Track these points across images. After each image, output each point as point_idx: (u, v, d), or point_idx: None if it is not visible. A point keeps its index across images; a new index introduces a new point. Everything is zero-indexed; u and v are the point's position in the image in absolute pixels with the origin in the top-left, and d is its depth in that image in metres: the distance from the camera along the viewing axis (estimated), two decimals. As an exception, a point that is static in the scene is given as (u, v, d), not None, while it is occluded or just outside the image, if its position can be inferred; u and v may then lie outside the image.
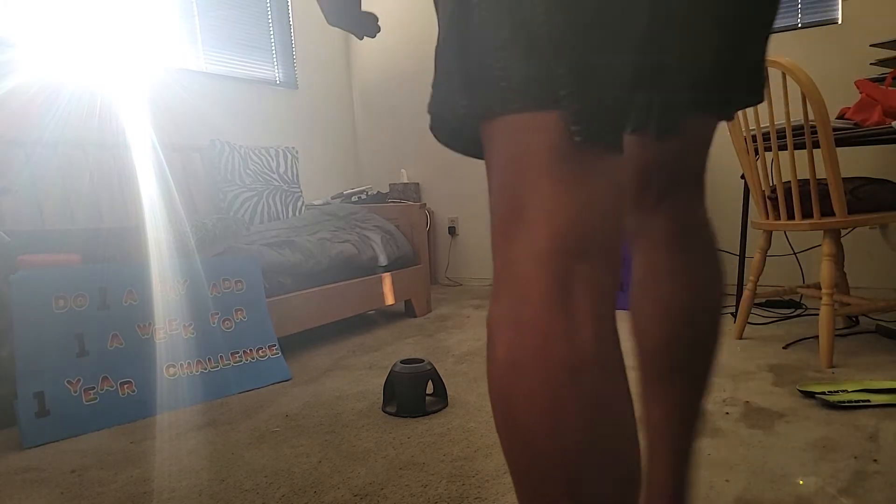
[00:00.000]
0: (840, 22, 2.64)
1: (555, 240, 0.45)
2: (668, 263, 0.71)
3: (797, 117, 1.89)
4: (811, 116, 1.75)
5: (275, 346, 2.00)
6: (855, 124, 1.91)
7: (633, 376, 0.53)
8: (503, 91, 0.46)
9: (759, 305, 2.60)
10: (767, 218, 1.98)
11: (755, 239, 2.18)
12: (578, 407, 0.44)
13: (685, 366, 0.72)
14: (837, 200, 1.75)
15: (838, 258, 2.05)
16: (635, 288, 0.74)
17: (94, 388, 1.63)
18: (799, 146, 1.93)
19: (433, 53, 0.58)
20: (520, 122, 0.46)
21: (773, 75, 2.00)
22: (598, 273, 0.46)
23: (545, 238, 0.45)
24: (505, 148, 0.48)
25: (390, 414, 1.59)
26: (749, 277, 2.06)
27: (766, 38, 0.63)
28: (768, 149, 2.02)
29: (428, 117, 0.62)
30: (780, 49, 2.75)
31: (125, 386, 1.68)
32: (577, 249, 0.45)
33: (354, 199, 3.28)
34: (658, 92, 0.60)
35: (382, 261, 2.64)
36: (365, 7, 3.98)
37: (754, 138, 1.98)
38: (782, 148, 1.90)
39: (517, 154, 0.47)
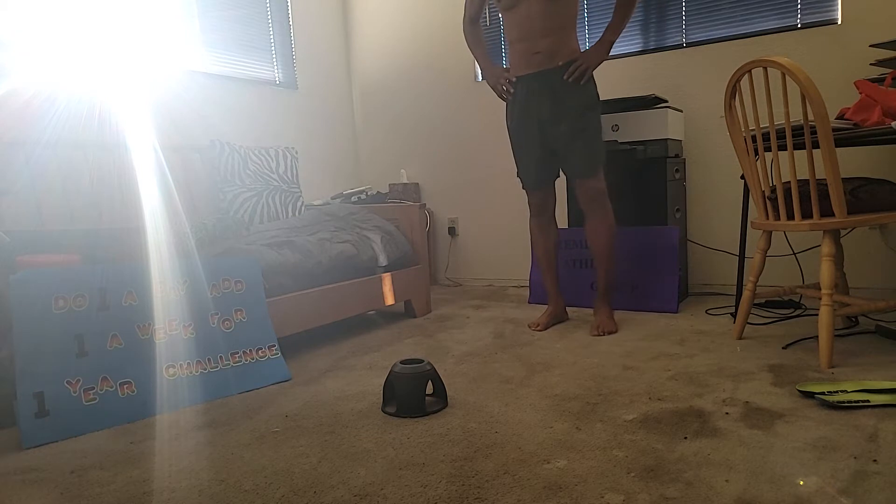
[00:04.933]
0: (840, 22, 2.65)
1: (533, 206, 2.58)
2: (589, 215, 2.42)
3: (797, 117, 1.89)
4: (811, 117, 1.75)
5: (275, 346, 2.00)
6: (854, 124, 1.91)
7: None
8: (524, 180, 2.56)
9: (759, 306, 2.60)
10: (767, 218, 1.98)
11: (755, 239, 2.18)
12: (536, 238, 2.61)
13: (596, 248, 2.43)
14: (837, 201, 1.75)
15: (838, 258, 2.05)
16: (585, 222, 2.47)
17: (93, 388, 1.63)
18: (799, 146, 1.93)
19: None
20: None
21: (773, 75, 2.00)
22: (544, 215, 2.58)
23: (531, 204, 2.59)
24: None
25: (390, 414, 1.59)
26: (749, 278, 2.06)
27: (582, 150, 2.35)
28: (768, 149, 2.02)
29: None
30: (780, 49, 2.75)
31: (125, 386, 1.68)
32: (537, 208, 2.57)
33: (354, 199, 3.28)
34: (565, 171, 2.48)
35: (382, 261, 2.64)
36: (365, 7, 3.97)
37: (754, 139, 1.98)
38: (782, 148, 1.90)
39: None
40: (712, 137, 2.95)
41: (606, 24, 2.38)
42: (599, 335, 2.32)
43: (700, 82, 2.96)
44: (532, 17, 2.31)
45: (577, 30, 2.42)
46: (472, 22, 2.60)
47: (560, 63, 2.33)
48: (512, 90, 2.42)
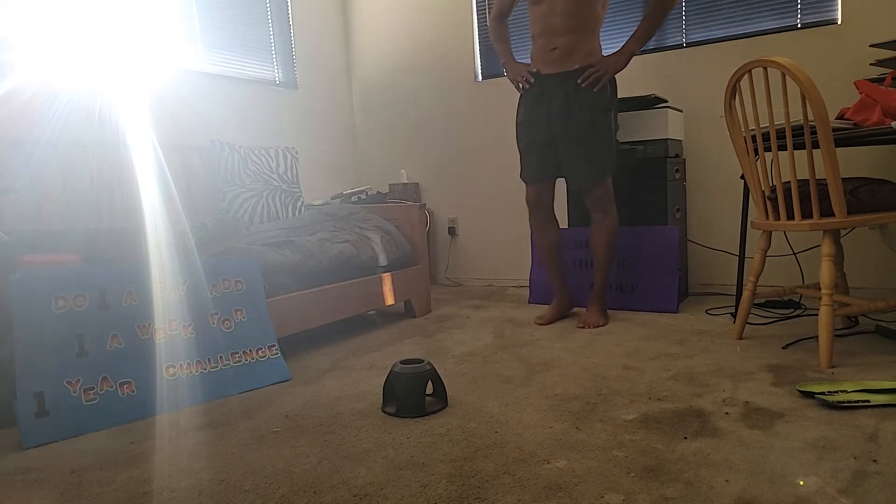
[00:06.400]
0: (840, 22, 2.65)
1: (529, 201, 2.56)
2: (592, 218, 2.48)
3: (797, 117, 1.89)
4: (811, 117, 1.75)
5: (274, 346, 2.00)
6: (854, 124, 1.91)
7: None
8: (523, 175, 2.56)
9: (759, 305, 2.60)
10: (767, 218, 1.98)
11: (755, 239, 2.18)
12: (536, 237, 2.62)
13: (595, 248, 2.49)
14: (837, 201, 1.75)
15: (838, 258, 2.05)
16: (591, 222, 2.50)
17: (93, 388, 1.63)
18: (799, 146, 1.93)
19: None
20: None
21: (773, 75, 2.00)
22: (540, 211, 2.55)
23: (528, 199, 2.56)
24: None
25: (390, 414, 1.59)
26: (749, 277, 2.06)
27: (588, 160, 2.38)
28: (768, 149, 2.02)
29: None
30: (780, 49, 2.75)
31: (125, 386, 1.68)
32: (533, 203, 2.54)
33: (354, 199, 3.28)
34: (566, 175, 2.48)
35: (382, 261, 2.64)
36: (365, 7, 3.96)
37: (754, 139, 1.98)
38: (782, 148, 1.90)
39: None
40: (712, 137, 2.95)
41: (623, 30, 2.38)
42: (584, 328, 2.43)
43: (700, 82, 2.96)
44: (555, 12, 2.33)
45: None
46: (499, 18, 2.62)
47: (576, 65, 2.34)
48: (531, 80, 2.42)
